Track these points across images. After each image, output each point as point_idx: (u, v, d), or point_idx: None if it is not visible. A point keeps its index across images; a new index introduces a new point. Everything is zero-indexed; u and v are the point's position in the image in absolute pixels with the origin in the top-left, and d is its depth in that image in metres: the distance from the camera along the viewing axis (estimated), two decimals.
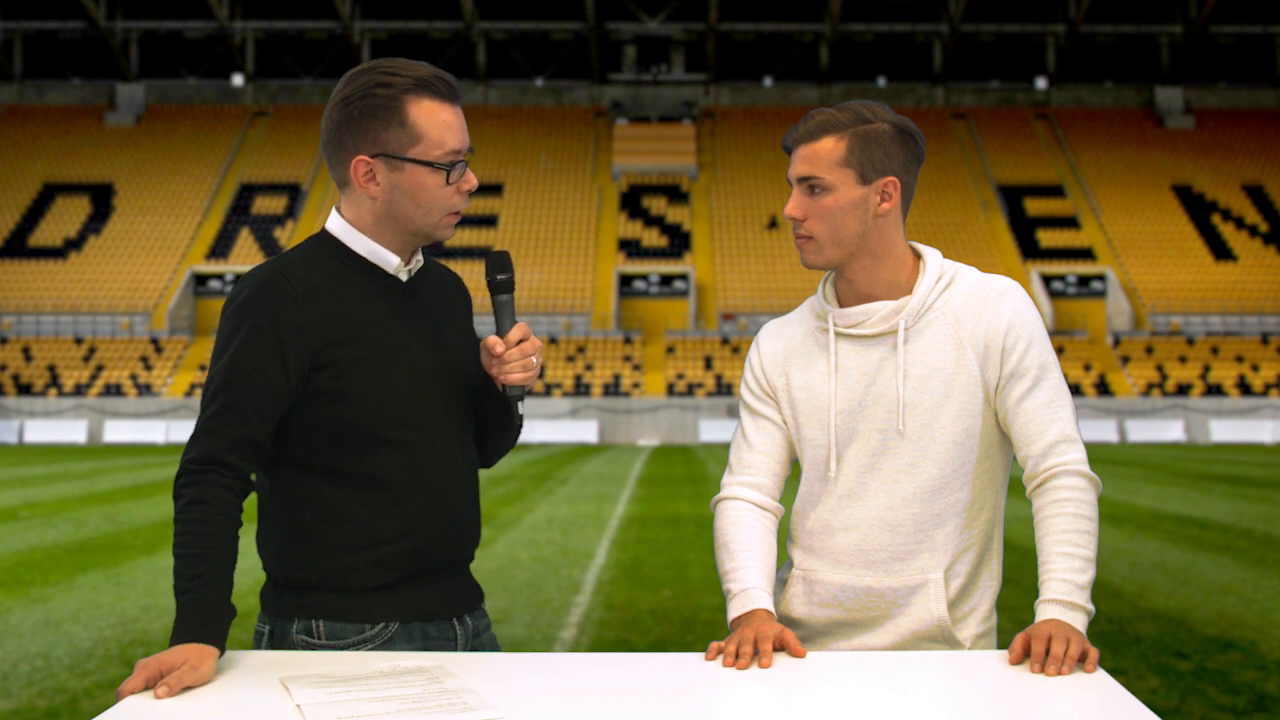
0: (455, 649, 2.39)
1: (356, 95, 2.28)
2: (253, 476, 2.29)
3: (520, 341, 2.37)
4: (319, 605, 2.31)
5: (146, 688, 2.03)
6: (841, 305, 2.48)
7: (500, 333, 2.39)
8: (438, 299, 2.45)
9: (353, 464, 2.30)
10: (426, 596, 2.36)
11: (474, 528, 2.44)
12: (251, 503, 2.32)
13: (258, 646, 2.37)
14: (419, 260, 2.42)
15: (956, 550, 2.42)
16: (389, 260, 2.36)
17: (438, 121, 2.30)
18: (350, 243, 2.36)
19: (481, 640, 2.47)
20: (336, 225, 2.38)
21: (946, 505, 2.41)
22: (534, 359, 2.38)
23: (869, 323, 2.43)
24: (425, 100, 2.29)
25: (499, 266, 2.40)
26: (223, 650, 2.16)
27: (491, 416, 2.48)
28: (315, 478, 2.31)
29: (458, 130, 2.32)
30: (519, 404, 2.40)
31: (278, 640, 2.34)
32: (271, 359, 2.24)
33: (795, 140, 2.44)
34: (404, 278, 2.38)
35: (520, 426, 2.47)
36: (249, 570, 2.44)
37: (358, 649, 2.30)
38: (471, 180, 2.34)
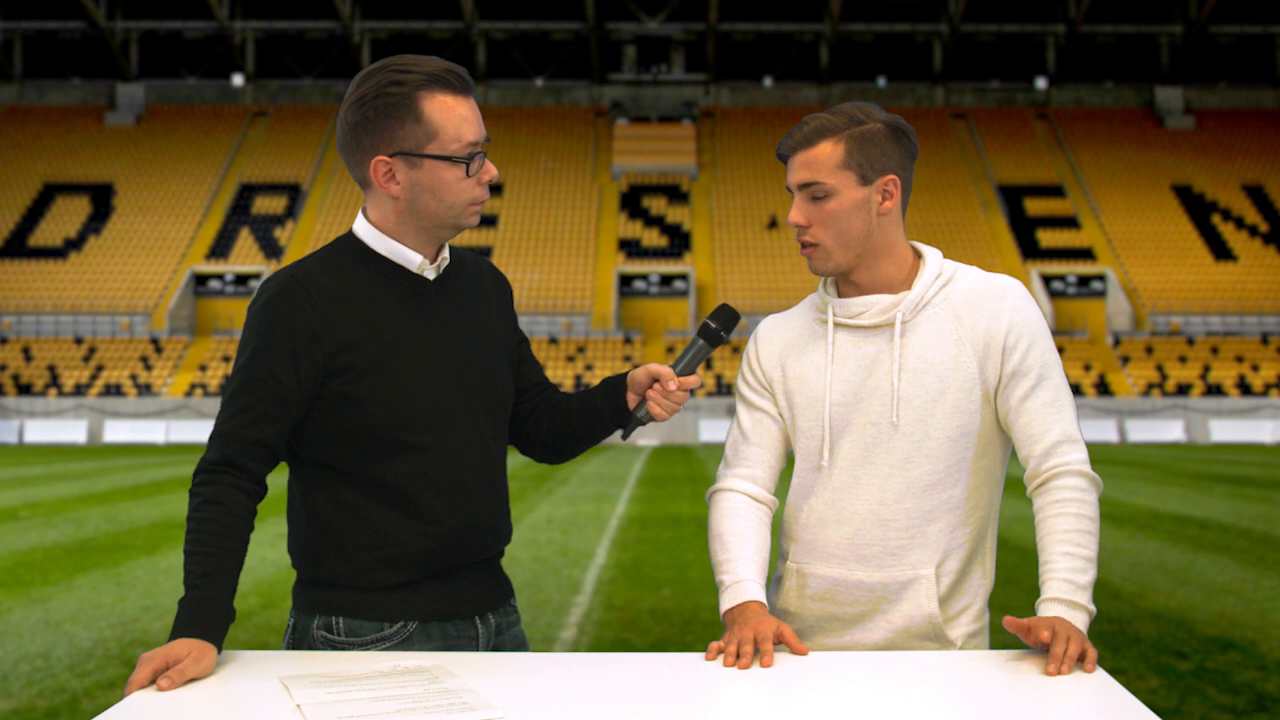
0: (476, 648, 2.39)
1: (370, 95, 2.28)
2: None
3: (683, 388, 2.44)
4: (339, 602, 2.33)
5: (152, 681, 2.06)
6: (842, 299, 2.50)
7: (680, 371, 2.45)
8: (470, 294, 2.45)
9: (368, 467, 2.31)
10: (446, 595, 2.36)
11: (496, 528, 2.43)
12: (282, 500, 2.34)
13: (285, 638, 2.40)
14: (446, 257, 2.41)
15: (949, 547, 2.42)
16: (412, 259, 2.35)
17: (453, 115, 2.29)
18: (373, 244, 2.36)
19: (504, 639, 2.45)
20: (361, 227, 2.38)
21: (940, 501, 2.41)
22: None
23: (868, 314, 2.43)
24: (439, 95, 2.29)
25: (725, 323, 2.46)
26: (220, 649, 2.19)
27: (580, 420, 2.51)
28: (333, 477, 2.33)
29: (473, 122, 2.31)
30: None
31: (300, 634, 2.36)
32: (284, 363, 2.26)
33: (791, 148, 2.43)
34: (430, 275, 2.38)
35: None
36: (251, 570, 2.45)
37: (376, 647, 2.31)
38: (491, 170, 2.34)
